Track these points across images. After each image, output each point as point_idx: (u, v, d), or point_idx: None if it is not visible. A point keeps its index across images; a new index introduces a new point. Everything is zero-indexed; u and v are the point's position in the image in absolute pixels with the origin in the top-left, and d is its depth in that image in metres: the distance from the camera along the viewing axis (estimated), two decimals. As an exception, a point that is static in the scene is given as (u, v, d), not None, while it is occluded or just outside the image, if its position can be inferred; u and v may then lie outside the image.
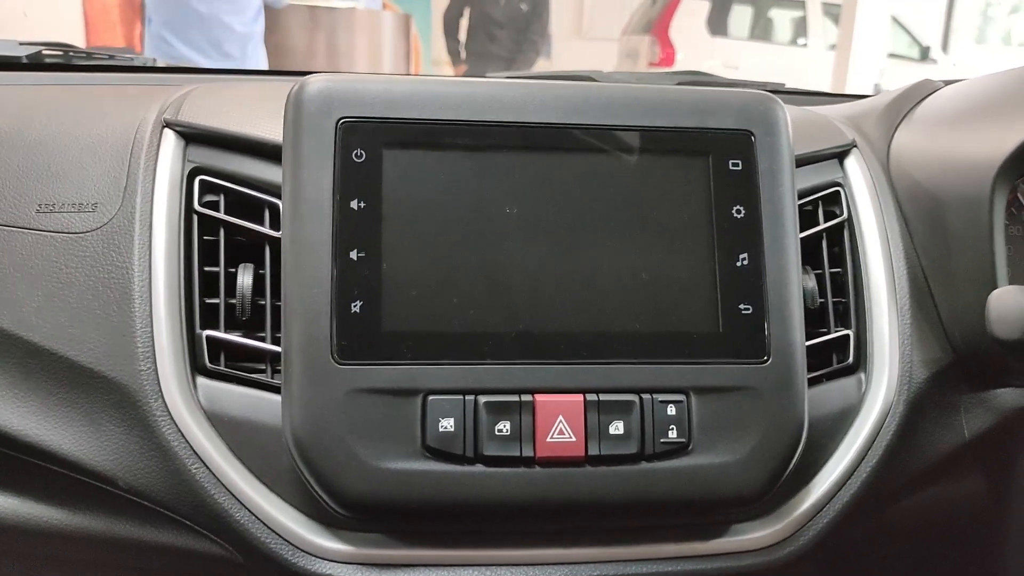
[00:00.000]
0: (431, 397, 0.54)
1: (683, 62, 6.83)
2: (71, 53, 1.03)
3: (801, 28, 7.33)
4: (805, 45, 7.28)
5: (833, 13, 6.85)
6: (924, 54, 7.21)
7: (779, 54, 7.15)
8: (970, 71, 0.79)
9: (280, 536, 0.58)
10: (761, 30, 7.40)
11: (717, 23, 7.11)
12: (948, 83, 0.78)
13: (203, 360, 0.60)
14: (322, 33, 3.43)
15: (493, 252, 0.56)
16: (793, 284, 0.58)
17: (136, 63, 1.06)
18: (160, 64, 1.12)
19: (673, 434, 0.56)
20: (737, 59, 6.73)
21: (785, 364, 0.57)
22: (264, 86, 0.76)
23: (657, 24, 6.93)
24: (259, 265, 0.63)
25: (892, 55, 6.26)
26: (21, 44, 0.99)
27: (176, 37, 2.79)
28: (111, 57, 1.06)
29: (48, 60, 1.00)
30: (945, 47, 8.13)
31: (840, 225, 0.71)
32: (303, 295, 0.54)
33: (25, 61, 0.97)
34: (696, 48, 6.85)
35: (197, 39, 2.79)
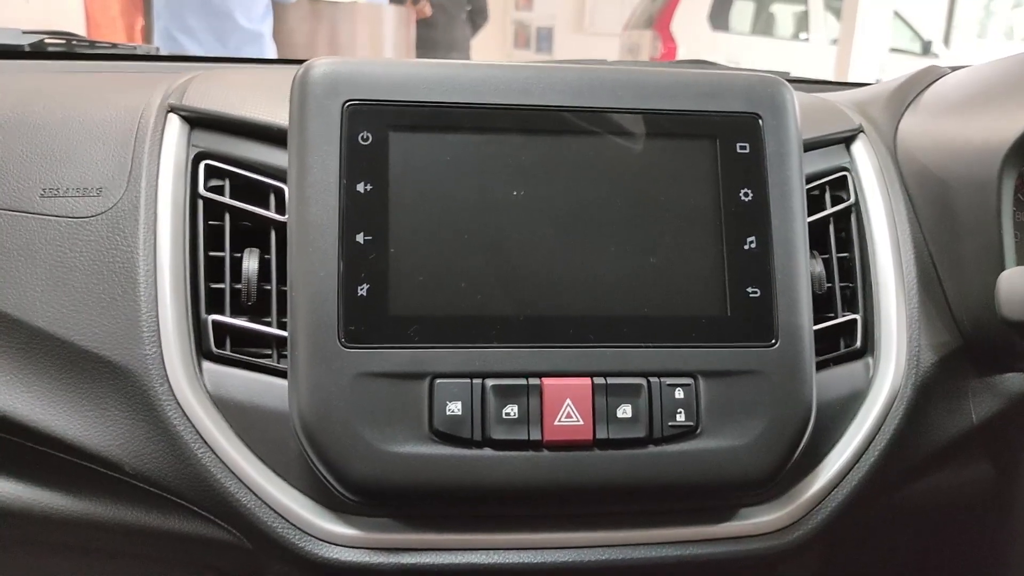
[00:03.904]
0: (438, 380, 0.54)
1: (684, 57, 6.82)
2: (74, 42, 1.03)
3: (803, 23, 7.32)
4: (807, 40, 7.27)
5: (835, 7, 6.84)
6: (926, 48, 7.20)
7: (781, 49, 7.14)
8: (973, 63, 0.78)
9: (287, 521, 0.58)
10: (763, 25, 7.39)
11: (719, 18, 7.09)
12: (954, 69, 0.78)
13: (208, 345, 0.59)
14: (323, 26, 3.43)
15: (500, 235, 0.56)
16: (801, 267, 0.58)
17: (139, 52, 1.06)
18: (162, 53, 1.11)
19: (681, 417, 0.56)
20: (739, 54, 6.72)
21: (793, 348, 0.57)
22: (268, 72, 0.76)
23: (659, 19, 6.92)
24: (264, 250, 0.62)
25: (894, 49, 6.24)
26: (24, 33, 0.98)
27: (184, 35, 2.78)
28: (114, 46, 1.05)
29: (51, 49, 1.00)
30: (947, 41, 8.12)
31: (847, 210, 0.71)
32: (309, 279, 0.54)
33: (28, 49, 0.96)
34: (698, 43, 6.84)
35: (206, 36, 2.78)
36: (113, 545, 0.65)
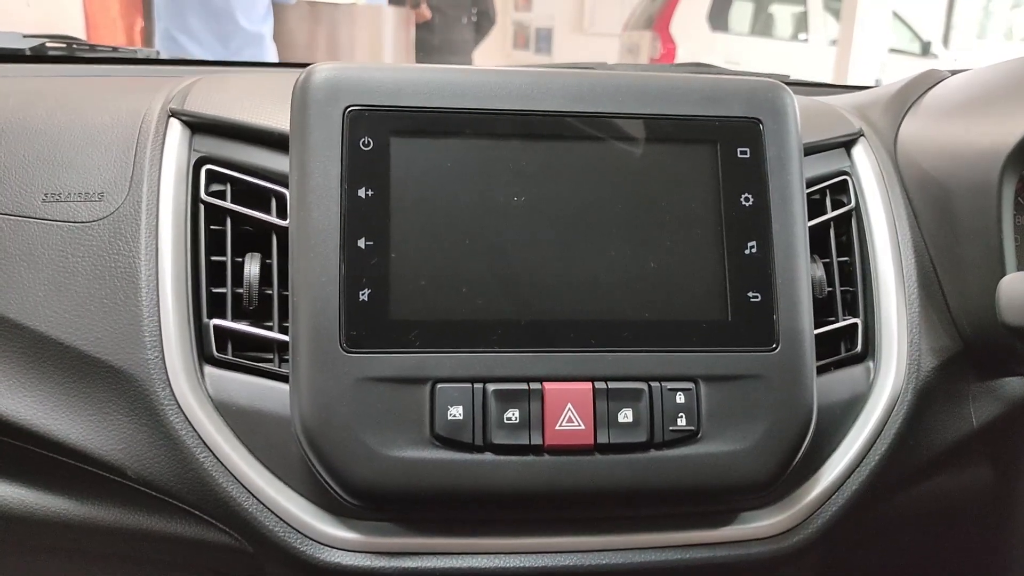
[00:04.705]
0: (440, 385, 0.54)
1: (684, 58, 6.82)
2: (74, 46, 1.03)
3: (802, 23, 7.32)
4: (806, 40, 7.27)
5: (834, 8, 6.84)
6: (925, 49, 7.20)
7: (780, 49, 7.14)
8: (972, 66, 0.78)
9: (289, 525, 0.58)
10: (762, 25, 7.39)
11: (718, 18, 7.09)
12: (954, 72, 0.78)
13: (210, 349, 0.60)
14: (323, 28, 3.43)
15: (501, 240, 0.56)
16: (801, 272, 0.58)
17: (140, 56, 1.06)
18: (163, 57, 1.11)
19: (682, 422, 0.56)
20: (738, 55, 6.72)
21: (794, 352, 0.57)
22: (270, 76, 0.76)
23: (658, 19, 6.92)
24: (266, 255, 0.62)
25: (893, 50, 6.25)
26: (25, 36, 0.98)
27: (185, 36, 2.78)
28: (115, 50, 1.06)
29: (52, 52, 1.00)
30: (946, 42, 8.12)
31: (848, 214, 0.71)
32: (311, 284, 0.54)
33: (29, 53, 0.96)
34: (697, 43, 6.84)
35: (206, 37, 2.78)
36: (115, 549, 0.65)
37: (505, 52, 8.80)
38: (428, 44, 4.20)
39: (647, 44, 6.94)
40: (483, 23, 4.58)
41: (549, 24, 8.80)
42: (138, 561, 0.67)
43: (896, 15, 6.51)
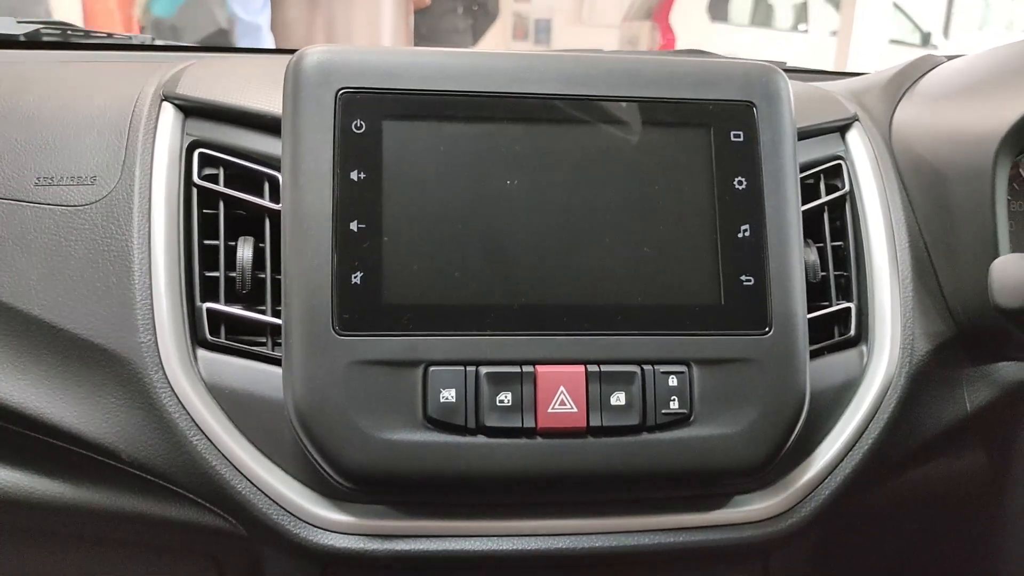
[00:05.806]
0: (432, 368, 0.54)
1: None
2: (69, 31, 1.03)
3: (802, 14, 7.31)
4: (806, 31, 7.25)
5: (834, -2, 6.83)
6: (925, 40, 7.19)
7: (780, 40, 7.13)
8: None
9: (282, 508, 0.58)
10: (762, 16, 7.37)
11: (718, 9, 7.08)
12: (950, 58, 0.78)
13: (203, 332, 0.60)
14: (320, 18, 3.42)
15: (494, 223, 0.56)
16: (795, 255, 0.58)
17: (134, 41, 1.06)
18: (158, 43, 1.11)
19: (675, 405, 0.56)
20: (738, 47, 6.71)
21: (787, 336, 0.57)
22: (263, 61, 0.76)
23: (658, 10, 6.91)
24: (259, 238, 0.62)
25: (893, 41, 6.23)
26: (19, 22, 0.98)
27: None
28: (109, 35, 1.05)
29: (46, 38, 1.00)
30: (947, 33, 8.10)
31: (842, 198, 0.71)
32: (303, 267, 0.54)
33: (23, 39, 0.96)
34: (696, 34, 6.83)
35: None
36: (109, 533, 0.65)
37: (504, 43, 8.77)
38: (427, 34, 4.17)
39: (646, 35, 6.93)
40: (481, 16, 4.52)
41: (548, 15, 8.77)
42: (133, 545, 0.67)
43: (896, 6, 6.50)
